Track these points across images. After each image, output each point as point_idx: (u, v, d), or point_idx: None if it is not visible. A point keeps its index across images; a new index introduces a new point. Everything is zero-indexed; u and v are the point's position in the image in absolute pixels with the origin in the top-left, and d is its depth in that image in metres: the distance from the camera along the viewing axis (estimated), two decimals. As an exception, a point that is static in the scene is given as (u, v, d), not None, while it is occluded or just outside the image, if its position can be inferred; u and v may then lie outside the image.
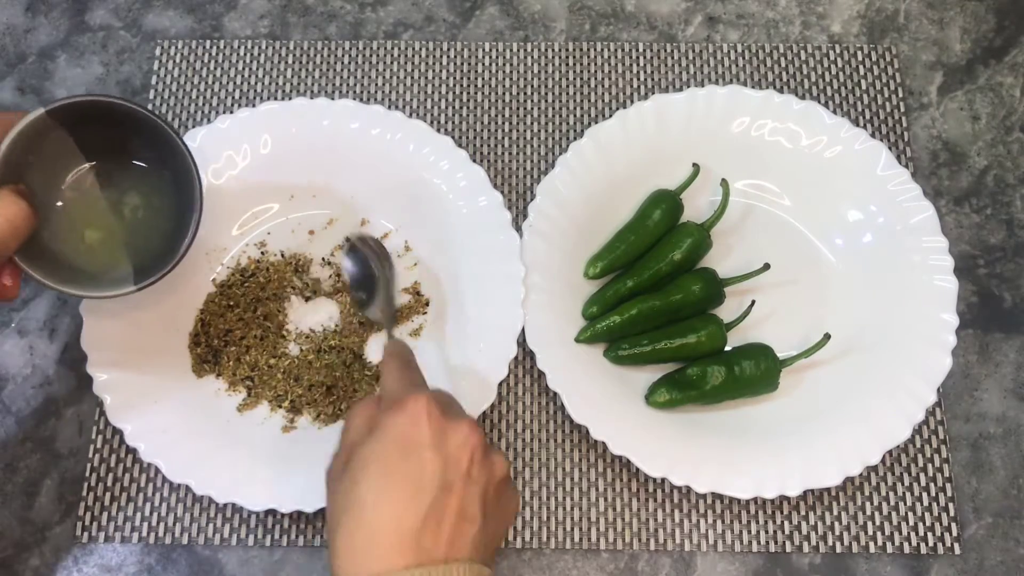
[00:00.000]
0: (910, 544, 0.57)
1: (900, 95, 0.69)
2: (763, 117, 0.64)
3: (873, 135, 0.66)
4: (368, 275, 0.59)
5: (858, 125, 0.67)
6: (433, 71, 0.69)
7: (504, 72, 0.69)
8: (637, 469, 0.58)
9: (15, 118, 0.48)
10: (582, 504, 0.58)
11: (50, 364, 0.61)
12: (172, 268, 0.52)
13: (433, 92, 0.68)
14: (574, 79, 0.69)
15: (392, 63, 0.69)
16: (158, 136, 0.52)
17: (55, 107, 0.49)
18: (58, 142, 0.52)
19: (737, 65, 0.69)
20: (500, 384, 0.57)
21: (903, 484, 0.59)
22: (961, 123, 0.68)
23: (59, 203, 0.53)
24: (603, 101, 0.68)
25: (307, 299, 0.61)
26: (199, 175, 0.52)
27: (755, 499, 0.58)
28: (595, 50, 0.70)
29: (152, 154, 0.54)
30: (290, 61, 0.69)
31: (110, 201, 0.55)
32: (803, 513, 0.58)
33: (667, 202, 0.62)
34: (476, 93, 0.68)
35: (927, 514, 0.58)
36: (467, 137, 0.67)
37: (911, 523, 0.58)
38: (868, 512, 0.58)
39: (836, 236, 0.63)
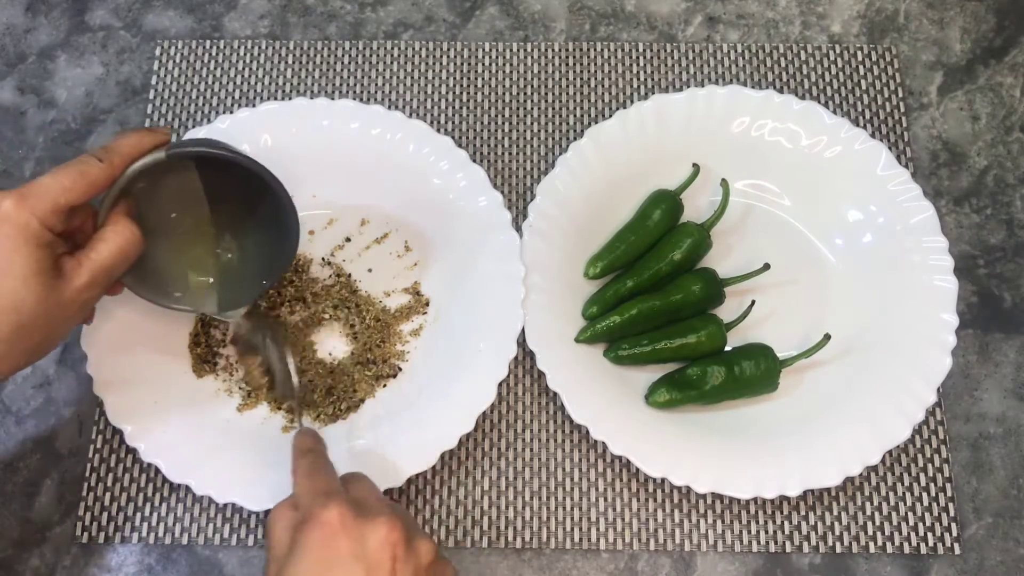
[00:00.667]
0: (910, 544, 0.57)
1: (900, 95, 0.69)
2: (763, 117, 0.64)
3: (873, 135, 0.66)
4: (262, 359, 0.58)
5: (858, 125, 0.67)
6: (433, 71, 0.69)
7: (504, 72, 0.69)
8: (637, 469, 0.58)
9: (145, 140, 0.50)
10: (582, 504, 0.58)
11: (50, 364, 0.61)
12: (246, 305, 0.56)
13: (433, 92, 0.68)
14: (574, 79, 0.69)
15: (392, 63, 0.69)
16: (270, 192, 0.52)
17: (176, 152, 0.50)
18: (185, 180, 0.53)
19: (737, 65, 0.69)
20: (500, 384, 0.57)
21: (903, 484, 0.59)
22: (961, 123, 0.68)
23: (167, 236, 0.55)
24: (603, 101, 0.68)
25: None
26: (297, 232, 0.54)
27: (755, 499, 0.58)
28: (595, 50, 0.70)
29: (261, 205, 0.55)
30: (290, 61, 0.69)
31: (214, 244, 0.57)
32: (803, 513, 0.58)
33: (667, 202, 0.62)
34: (476, 93, 0.68)
35: (927, 514, 0.58)
36: (467, 137, 0.67)
37: (911, 523, 0.58)
38: (868, 512, 0.58)
39: (836, 236, 0.63)
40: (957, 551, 0.57)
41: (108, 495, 0.58)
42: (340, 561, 0.42)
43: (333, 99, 0.63)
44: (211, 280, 0.57)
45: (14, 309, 0.45)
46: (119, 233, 0.49)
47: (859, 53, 0.70)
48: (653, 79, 0.69)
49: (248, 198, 0.54)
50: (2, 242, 0.44)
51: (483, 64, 0.69)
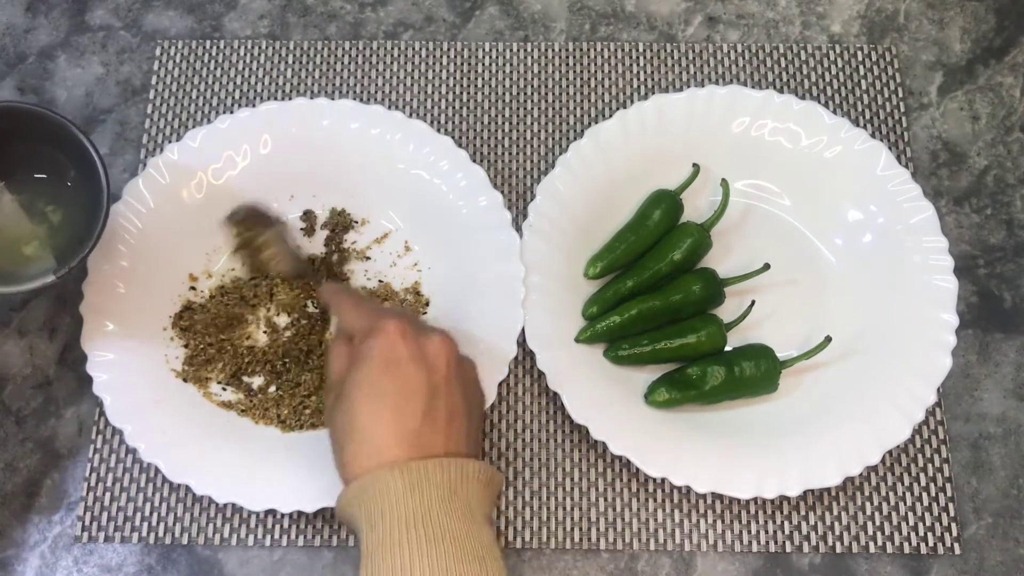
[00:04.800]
0: (910, 544, 0.57)
1: (900, 95, 0.69)
2: (763, 117, 0.64)
3: (873, 135, 0.66)
4: (255, 235, 0.59)
5: (858, 125, 0.67)
6: (433, 71, 0.69)
7: (504, 72, 0.69)
8: (637, 469, 0.58)
9: None
10: (582, 504, 0.58)
11: (50, 364, 0.61)
12: (87, 254, 0.53)
13: (433, 92, 0.68)
14: (574, 79, 0.69)
15: (392, 63, 0.69)
16: (52, 129, 0.52)
17: None
18: None
19: (737, 65, 0.69)
20: (500, 384, 0.57)
21: (903, 484, 0.59)
22: (961, 123, 0.68)
23: None
24: (603, 101, 0.68)
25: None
26: (100, 158, 0.53)
27: (755, 499, 0.58)
28: (595, 50, 0.70)
29: (54, 152, 0.55)
30: (290, 61, 0.69)
31: (26, 211, 0.57)
32: (803, 513, 0.58)
33: (667, 202, 0.62)
34: (476, 93, 0.68)
35: (927, 514, 0.58)
36: (467, 137, 0.67)
37: (911, 523, 0.58)
38: (868, 512, 0.58)
39: (836, 236, 0.63)
40: (957, 551, 0.57)
41: (108, 495, 0.58)
42: (402, 362, 0.47)
43: (333, 99, 0.64)
44: (43, 251, 0.56)
45: None
46: None
47: (859, 53, 0.70)
48: (653, 79, 0.69)
49: (48, 153, 0.55)
50: None
51: (483, 64, 0.69)
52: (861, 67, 0.69)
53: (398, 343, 0.47)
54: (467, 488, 0.45)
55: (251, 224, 0.59)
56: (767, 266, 0.60)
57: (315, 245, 0.63)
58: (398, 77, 0.69)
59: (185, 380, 0.59)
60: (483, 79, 0.69)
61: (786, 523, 0.58)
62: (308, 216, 0.64)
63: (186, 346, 0.60)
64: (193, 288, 0.61)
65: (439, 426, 0.46)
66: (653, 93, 0.66)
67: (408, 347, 0.47)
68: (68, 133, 0.53)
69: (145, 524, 0.57)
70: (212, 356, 0.59)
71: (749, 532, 0.57)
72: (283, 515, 0.58)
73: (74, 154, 0.54)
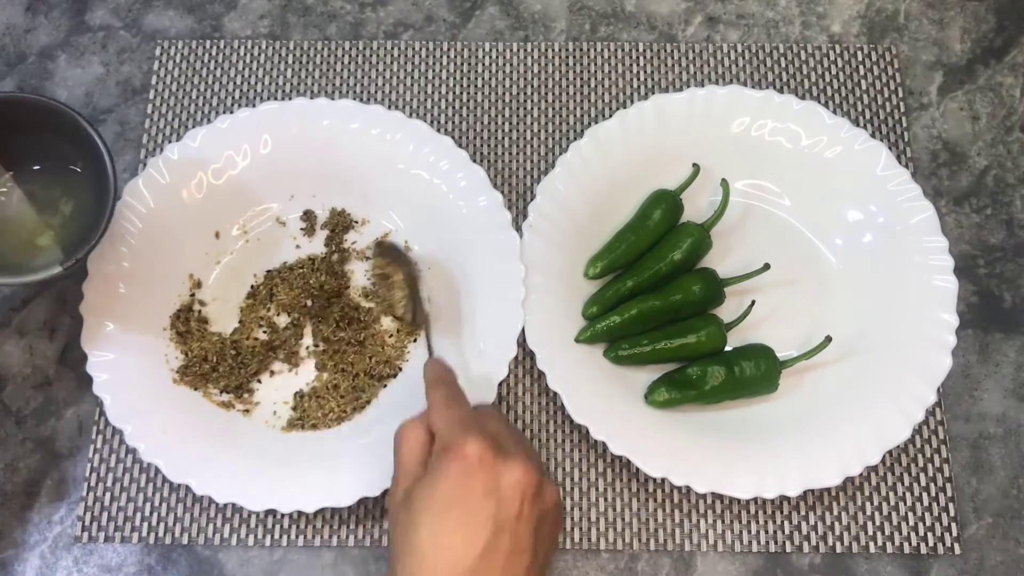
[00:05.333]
0: (910, 544, 0.57)
1: (900, 95, 0.69)
2: (763, 117, 0.64)
3: (873, 135, 0.66)
4: (386, 276, 0.60)
5: (858, 125, 0.67)
6: (433, 71, 0.69)
7: (504, 72, 0.69)
8: (637, 469, 0.58)
9: None
10: (582, 504, 0.58)
11: (50, 364, 0.61)
12: (94, 246, 0.53)
13: (433, 92, 0.68)
14: (574, 79, 0.69)
15: (392, 63, 0.69)
16: (61, 122, 0.52)
17: None
18: None
19: (737, 65, 0.69)
20: (500, 384, 0.57)
21: (903, 484, 0.59)
22: (961, 123, 0.68)
23: None
24: (603, 101, 0.68)
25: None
26: (108, 150, 0.53)
27: (755, 499, 0.58)
28: (595, 50, 0.70)
29: (63, 144, 0.55)
30: (290, 61, 0.69)
31: (35, 203, 0.57)
32: (803, 513, 0.58)
33: (667, 202, 0.62)
34: (476, 93, 0.68)
35: (927, 514, 0.58)
36: (467, 137, 0.67)
37: (911, 523, 0.58)
38: (868, 512, 0.58)
39: (836, 236, 0.63)
40: (957, 551, 0.57)
41: (108, 495, 0.58)
42: (475, 493, 0.45)
43: (333, 99, 0.63)
44: (51, 243, 0.56)
45: None
46: None
47: (859, 53, 0.70)
48: (653, 79, 0.69)
49: (57, 146, 0.55)
50: None
51: (483, 64, 0.69)
52: (861, 67, 0.69)
53: (475, 471, 0.45)
54: None
55: (391, 259, 0.59)
56: (767, 266, 0.60)
57: (315, 245, 0.63)
58: (398, 77, 0.69)
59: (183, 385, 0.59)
60: (483, 79, 0.69)
61: (786, 523, 0.58)
62: (308, 216, 0.64)
63: (184, 355, 0.60)
64: (193, 295, 0.61)
65: (496, 564, 0.44)
66: (653, 93, 0.66)
67: (483, 476, 0.45)
68: (76, 125, 0.53)
69: (145, 524, 0.57)
70: (207, 372, 0.59)
71: (749, 532, 0.57)
72: (283, 515, 0.58)
73: (81, 146, 0.54)
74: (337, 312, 0.61)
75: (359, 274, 0.63)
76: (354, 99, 0.66)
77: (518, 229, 0.61)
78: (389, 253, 0.60)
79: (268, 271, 0.62)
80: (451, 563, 0.44)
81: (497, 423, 0.49)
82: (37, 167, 0.58)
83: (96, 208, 0.54)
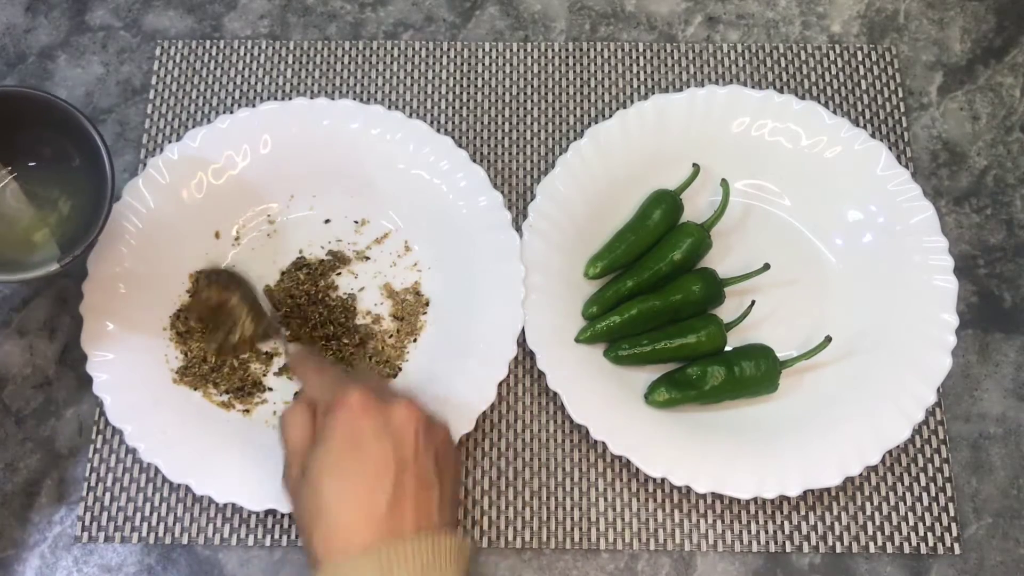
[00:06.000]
0: (910, 544, 0.57)
1: (900, 95, 0.69)
2: (763, 117, 0.64)
3: (873, 135, 0.66)
4: (222, 305, 0.58)
5: (858, 125, 0.67)
6: (433, 71, 0.69)
7: (504, 72, 0.69)
8: (637, 469, 0.58)
9: None
10: (582, 504, 0.58)
11: (50, 364, 0.61)
12: (92, 244, 0.53)
13: (433, 92, 0.68)
14: (574, 79, 0.69)
15: (392, 63, 0.69)
16: (60, 117, 0.52)
17: None
18: None
19: (737, 65, 0.69)
20: (500, 384, 0.57)
21: (903, 484, 0.59)
22: (961, 123, 0.68)
23: None
24: (603, 101, 0.68)
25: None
26: (107, 148, 0.53)
27: (755, 499, 0.58)
28: (595, 50, 0.70)
29: (61, 140, 0.55)
30: (290, 61, 0.69)
31: (33, 199, 0.57)
32: (803, 513, 0.58)
33: (667, 202, 0.62)
34: (476, 93, 0.68)
35: (927, 514, 0.58)
36: (467, 137, 0.67)
37: (911, 523, 0.58)
38: (868, 512, 0.58)
39: (836, 236, 0.63)
40: (957, 551, 0.57)
41: (108, 495, 0.58)
42: (366, 439, 0.45)
43: (333, 99, 0.64)
44: (48, 239, 0.56)
45: None
46: None
47: (859, 53, 0.70)
48: (653, 79, 0.69)
49: (55, 141, 0.55)
50: None
51: (483, 64, 0.69)
52: (861, 67, 0.69)
53: (361, 417, 0.46)
54: (440, 564, 0.44)
55: (221, 285, 0.58)
56: (767, 266, 0.60)
57: (315, 248, 0.63)
58: (398, 77, 0.69)
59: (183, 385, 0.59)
60: (483, 79, 0.69)
61: (786, 523, 0.58)
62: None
63: (184, 355, 0.60)
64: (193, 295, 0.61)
65: (408, 502, 0.45)
66: (653, 93, 0.66)
67: (372, 421, 0.46)
68: (76, 122, 0.53)
69: (145, 524, 0.57)
70: (207, 372, 0.59)
71: (749, 532, 0.57)
72: (283, 515, 0.58)
73: (80, 143, 0.54)
74: (317, 313, 0.61)
75: (361, 274, 0.63)
76: (354, 99, 0.66)
77: (518, 229, 0.61)
78: (216, 281, 0.58)
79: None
80: (364, 513, 0.44)
81: (371, 379, 0.51)
82: (36, 163, 0.57)
83: (94, 206, 0.54)
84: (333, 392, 0.48)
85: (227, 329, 0.58)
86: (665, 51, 0.70)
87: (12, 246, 0.56)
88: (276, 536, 0.57)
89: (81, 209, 0.57)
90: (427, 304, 0.62)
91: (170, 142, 0.64)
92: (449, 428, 0.49)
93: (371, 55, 0.70)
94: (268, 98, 0.68)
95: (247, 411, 0.59)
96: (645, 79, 0.69)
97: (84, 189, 0.56)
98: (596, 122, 0.64)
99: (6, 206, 0.57)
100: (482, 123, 0.68)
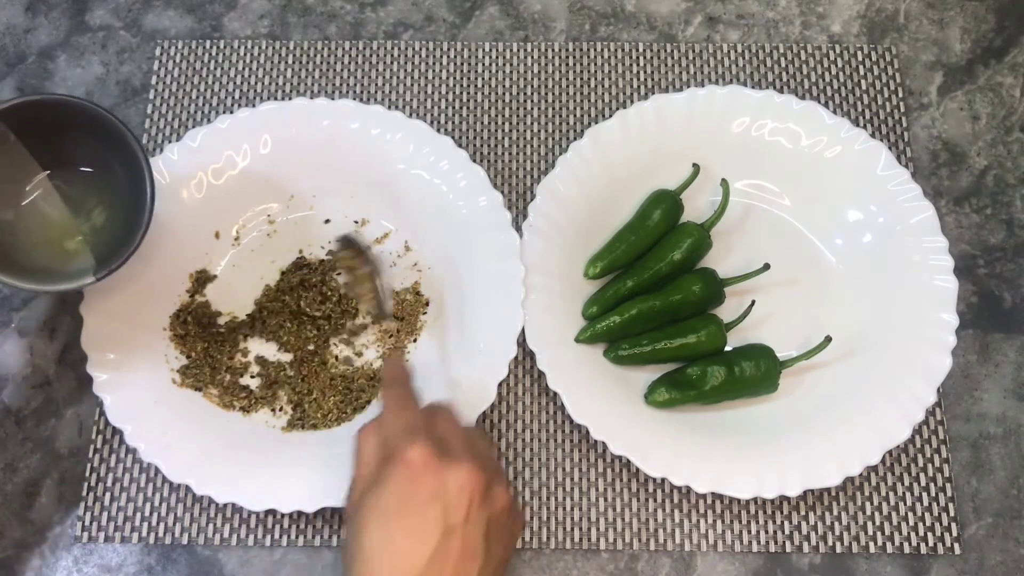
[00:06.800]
0: (910, 544, 0.57)
1: (900, 95, 0.69)
2: (763, 117, 0.64)
3: (873, 135, 0.66)
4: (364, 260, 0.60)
5: (858, 125, 0.67)
6: (433, 71, 0.69)
7: (504, 72, 0.69)
8: (637, 469, 0.58)
9: None
10: (582, 504, 0.58)
11: (50, 364, 0.61)
12: (127, 258, 0.53)
13: (433, 92, 0.68)
14: (574, 79, 0.69)
15: (392, 63, 0.69)
16: (104, 129, 0.52)
17: (3, 108, 0.49)
18: (11, 151, 0.53)
19: (737, 65, 0.69)
20: (500, 384, 0.57)
21: (903, 484, 0.59)
22: (961, 123, 0.68)
23: (16, 211, 0.55)
24: (603, 101, 0.68)
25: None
26: (148, 163, 0.53)
27: (755, 499, 0.58)
28: (595, 50, 0.70)
29: (103, 151, 0.54)
30: (290, 61, 0.69)
31: (69, 205, 0.56)
32: (803, 513, 0.58)
33: (667, 202, 0.62)
34: (476, 93, 0.68)
35: (927, 514, 0.58)
36: (467, 137, 0.67)
37: (911, 523, 0.58)
38: (868, 512, 0.58)
39: (836, 236, 0.63)
40: (957, 551, 0.57)
41: (108, 495, 0.58)
42: (420, 499, 0.44)
43: (333, 99, 0.63)
44: (82, 247, 0.56)
45: None
46: None
47: (859, 53, 0.70)
48: (653, 79, 0.69)
49: (97, 151, 0.54)
50: None
51: (483, 64, 0.69)
52: (861, 67, 0.69)
53: (419, 476, 0.45)
54: None
55: (355, 253, 0.60)
56: (767, 266, 0.60)
57: (315, 248, 0.63)
58: (398, 77, 0.69)
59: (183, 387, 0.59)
60: (483, 79, 0.69)
61: (786, 523, 0.58)
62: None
63: (186, 356, 0.60)
64: (193, 295, 0.61)
65: (448, 571, 0.44)
66: (653, 93, 0.66)
67: (429, 481, 0.45)
68: (117, 133, 0.52)
69: (145, 524, 0.57)
70: (208, 372, 0.59)
71: (749, 532, 0.57)
72: (283, 515, 0.58)
73: (121, 154, 0.53)
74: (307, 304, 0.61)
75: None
76: (354, 99, 0.66)
77: (518, 229, 0.61)
78: (352, 247, 0.60)
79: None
80: (399, 569, 0.43)
81: (448, 424, 0.49)
82: (74, 171, 0.56)
83: (131, 218, 0.53)
84: (403, 437, 0.46)
85: (358, 293, 0.59)
86: (665, 51, 0.70)
87: (46, 253, 0.56)
88: (276, 536, 0.57)
89: (116, 220, 0.56)
90: (427, 304, 0.62)
91: (170, 142, 0.64)
92: (512, 496, 0.48)
93: (371, 55, 0.70)
94: (268, 98, 0.68)
95: (247, 411, 0.59)
96: (645, 79, 0.69)
97: (121, 201, 0.56)
98: (596, 122, 0.64)
99: (42, 211, 0.56)
100: (482, 123, 0.68)
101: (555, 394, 0.58)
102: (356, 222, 0.64)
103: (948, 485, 0.59)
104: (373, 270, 0.59)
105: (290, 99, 0.65)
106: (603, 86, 0.69)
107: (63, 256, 0.56)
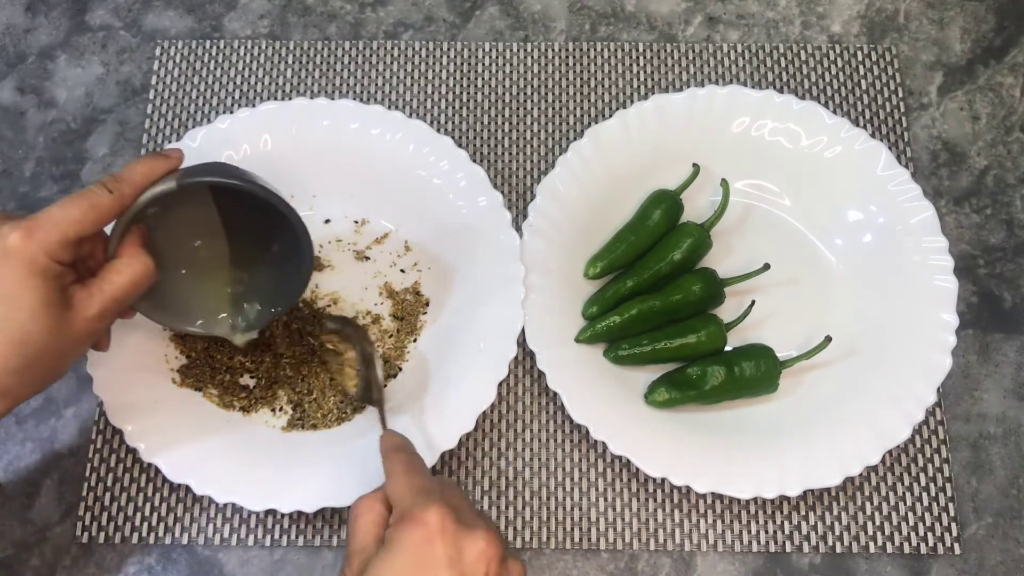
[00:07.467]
0: (910, 544, 0.57)
1: (900, 95, 0.69)
2: (763, 117, 0.64)
3: (873, 135, 0.66)
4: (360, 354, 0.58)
5: (858, 125, 0.67)
6: (433, 71, 0.69)
7: (504, 72, 0.69)
8: (637, 469, 0.58)
9: (157, 167, 0.49)
10: (582, 504, 0.58)
11: (50, 364, 0.61)
12: (271, 319, 0.57)
13: (433, 92, 0.68)
14: (574, 79, 0.69)
15: (392, 63, 0.69)
16: (283, 219, 0.52)
17: (188, 182, 0.49)
18: (200, 206, 0.54)
19: (737, 65, 0.69)
20: (500, 384, 0.57)
21: (903, 484, 0.59)
22: (961, 123, 0.68)
23: (184, 263, 0.56)
24: (603, 101, 0.68)
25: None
26: (311, 257, 0.54)
27: (755, 499, 0.58)
28: (595, 50, 0.70)
29: (275, 231, 0.55)
30: (290, 61, 0.69)
31: (231, 271, 0.58)
32: (803, 513, 0.58)
33: (667, 202, 0.62)
34: (476, 93, 0.68)
35: (927, 514, 0.58)
36: (467, 137, 0.67)
37: (911, 523, 0.58)
38: (868, 512, 0.58)
39: (836, 236, 0.63)
40: (957, 551, 0.57)
41: (108, 495, 0.58)
42: (435, 565, 0.42)
43: (333, 99, 0.63)
44: (225, 308, 0.57)
45: (22, 342, 0.45)
46: (131, 265, 0.49)
47: (859, 53, 0.70)
48: (653, 79, 0.69)
49: (263, 224, 0.55)
50: (9, 276, 0.44)
51: (483, 64, 0.69)
52: (861, 67, 0.69)
53: (435, 540, 0.42)
54: None
55: (343, 335, 0.58)
56: (767, 266, 0.60)
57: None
58: (398, 77, 0.69)
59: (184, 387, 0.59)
60: (483, 79, 0.69)
61: (786, 523, 0.58)
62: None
63: (186, 356, 0.60)
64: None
65: None
66: (653, 93, 0.66)
67: (446, 547, 0.42)
68: (291, 223, 0.52)
69: (145, 524, 0.57)
70: (208, 372, 0.59)
71: (749, 532, 0.57)
72: (283, 515, 0.58)
73: (287, 240, 0.53)
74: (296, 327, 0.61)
75: (362, 274, 0.62)
76: (354, 99, 0.66)
77: (518, 229, 0.61)
78: (340, 328, 0.59)
79: None
80: None
81: (455, 494, 0.46)
82: (245, 238, 0.57)
83: (277, 292, 0.56)
84: (415, 500, 0.44)
85: (340, 377, 0.59)
86: (665, 51, 0.70)
87: (196, 294, 0.57)
88: (276, 536, 0.57)
89: (262, 290, 0.57)
90: (427, 304, 0.62)
91: (170, 142, 0.64)
92: (525, 569, 0.46)
93: (371, 55, 0.70)
94: (268, 98, 0.68)
95: (247, 411, 0.59)
96: (645, 79, 0.69)
97: (273, 275, 0.57)
98: (596, 122, 0.64)
99: (209, 259, 0.57)
100: (482, 123, 0.68)
101: (555, 394, 0.58)
102: (356, 222, 0.64)
103: (948, 485, 0.59)
104: (361, 354, 0.57)
105: (290, 99, 0.65)
106: (603, 86, 0.69)
107: (206, 301, 0.57)
